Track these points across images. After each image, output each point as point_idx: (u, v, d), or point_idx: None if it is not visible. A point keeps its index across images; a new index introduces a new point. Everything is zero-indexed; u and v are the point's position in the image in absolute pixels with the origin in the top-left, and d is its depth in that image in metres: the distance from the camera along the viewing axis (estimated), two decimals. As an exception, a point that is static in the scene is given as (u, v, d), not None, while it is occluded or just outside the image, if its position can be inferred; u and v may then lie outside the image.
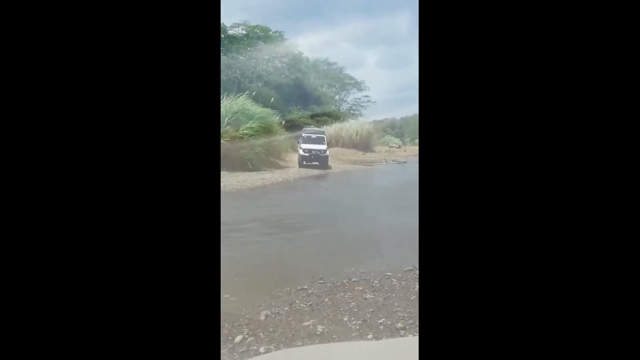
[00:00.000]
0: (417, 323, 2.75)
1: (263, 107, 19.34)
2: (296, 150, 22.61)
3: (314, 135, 20.09)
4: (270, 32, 29.40)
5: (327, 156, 19.18)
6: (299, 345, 2.45)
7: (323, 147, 19.41)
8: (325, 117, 27.00)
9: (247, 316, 2.90)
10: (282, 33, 30.48)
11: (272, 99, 22.47)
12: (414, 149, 30.99)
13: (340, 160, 20.65)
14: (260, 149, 15.68)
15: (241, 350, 2.45)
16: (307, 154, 18.76)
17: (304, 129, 21.66)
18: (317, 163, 18.70)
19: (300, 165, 18.27)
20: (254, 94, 19.99)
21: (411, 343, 1.85)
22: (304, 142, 19.43)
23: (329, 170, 18.51)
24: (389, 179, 14.32)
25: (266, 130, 17.24)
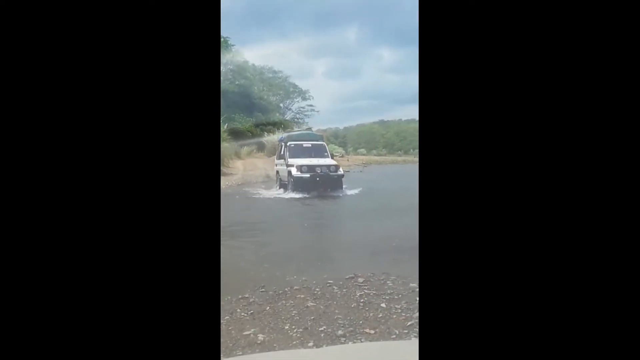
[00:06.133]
0: (357, 330, 2.79)
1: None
2: (240, 158, 21.41)
3: (306, 144, 12.80)
4: (215, 38, 28.97)
5: (342, 175, 11.86)
6: (239, 355, 2.42)
7: (332, 161, 12.12)
8: (269, 126, 26.85)
9: (186, 326, 2.83)
10: (227, 39, 30.20)
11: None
12: (356, 158, 31.47)
13: (284, 168, 19.83)
14: (202, 155, 15.36)
15: (179, 361, 2.39)
16: (308, 175, 11.18)
17: (286, 135, 14.32)
18: (323, 189, 11.28)
19: (294, 189, 11.34)
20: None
21: (350, 350, 1.87)
22: (293, 156, 12.07)
23: (269, 178, 15.98)
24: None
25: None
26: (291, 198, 10.94)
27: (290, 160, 11.97)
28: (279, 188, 12.70)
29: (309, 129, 15.95)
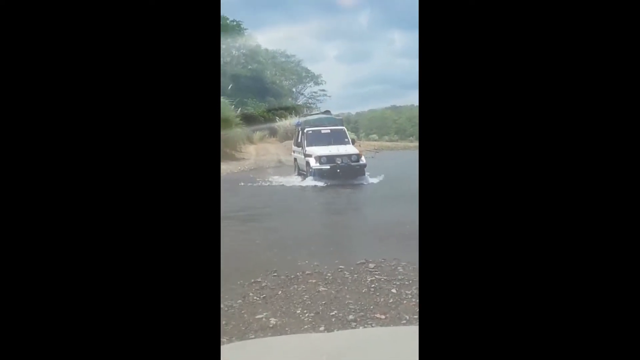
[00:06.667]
0: (368, 315, 2.81)
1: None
2: (253, 142, 21.17)
3: (325, 130, 11.66)
4: (228, 21, 28.95)
5: (364, 165, 10.72)
6: (252, 338, 2.46)
7: (353, 149, 11.02)
8: (282, 111, 26.74)
9: (200, 309, 2.87)
10: (240, 23, 30.08)
11: (229, 87, 21.52)
12: (368, 144, 31.33)
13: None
14: (215, 139, 15.32)
15: (193, 343, 2.43)
16: (328, 167, 10.25)
17: (303, 119, 13.09)
18: (344, 178, 10.21)
19: (315, 177, 10.34)
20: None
21: (361, 334, 1.89)
22: (311, 144, 11.09)
23: (281, 163, 15.84)
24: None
25: (223, 121, 16.50)
26: (310, 186, 10.27)
27: (308, 149, 10.96)
28: (297, 176, 11.93)
29: (327, 112, 13.65)
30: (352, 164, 10.50)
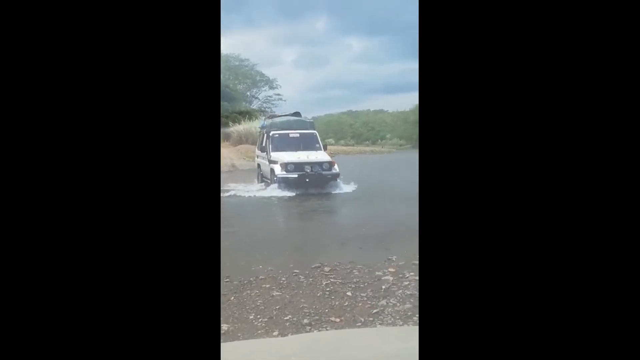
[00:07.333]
0: (322, 319, 2.78)
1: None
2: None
3: (293, 134, 10.25)
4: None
5: (337, 175, 9.39)
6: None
7: (325, 156, 9.67)
8: (235, 115, 26.46)
9: (148, 317, 2.77)
10: (192, 25, 29.61)
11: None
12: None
13: (249, 158, 17.01)
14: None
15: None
16: (295, 175, 8.98)
17: (269, 120, 11.42)
18: (316, 190, 9.05)
19: (280, 186, 9.09)
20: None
21: (316, 338, 1.86)
22: (277, 149, 9.71)
23: (235, 167, 15.81)
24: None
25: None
26: (274, 196, 8.93)
27: (274, 155, 9.51)
28: (261, 183, 10.54)
29: (297, 113, 11.74)
30: (324, 172, 9.22)
